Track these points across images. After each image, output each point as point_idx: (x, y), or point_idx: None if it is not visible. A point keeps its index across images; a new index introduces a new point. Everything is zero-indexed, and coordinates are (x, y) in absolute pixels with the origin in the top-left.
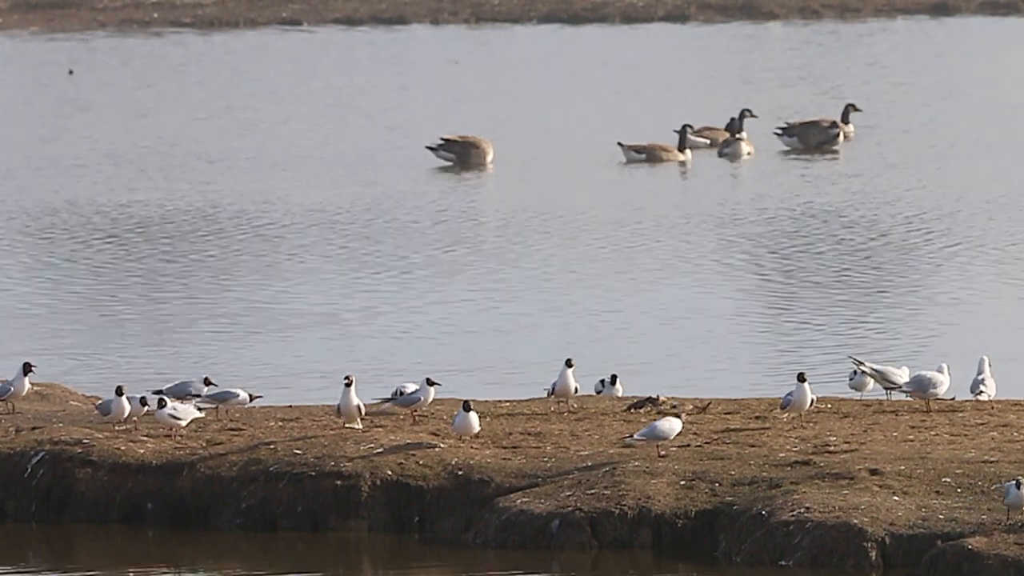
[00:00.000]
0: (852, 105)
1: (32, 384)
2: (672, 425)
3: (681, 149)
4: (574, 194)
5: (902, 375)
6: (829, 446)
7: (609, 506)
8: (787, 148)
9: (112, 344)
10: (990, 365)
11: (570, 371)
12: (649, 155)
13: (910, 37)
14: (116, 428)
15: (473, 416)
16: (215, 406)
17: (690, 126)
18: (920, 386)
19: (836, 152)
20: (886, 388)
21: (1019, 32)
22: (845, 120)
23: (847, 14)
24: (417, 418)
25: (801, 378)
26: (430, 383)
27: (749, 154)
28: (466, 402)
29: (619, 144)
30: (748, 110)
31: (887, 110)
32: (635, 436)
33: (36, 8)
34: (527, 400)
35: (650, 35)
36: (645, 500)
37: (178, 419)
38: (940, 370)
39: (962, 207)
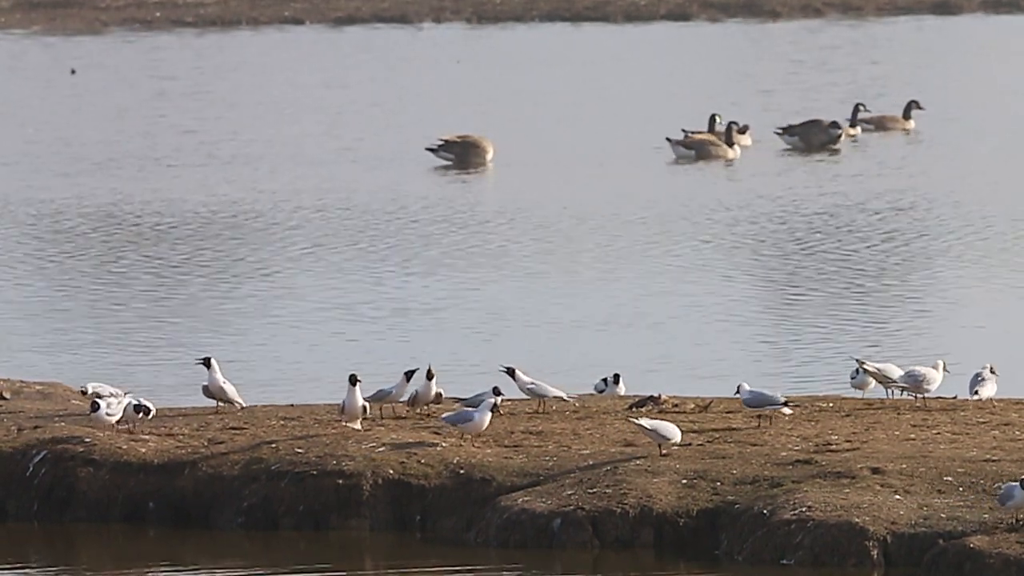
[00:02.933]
0: (915, 102)
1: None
2: (673, 433)
3: (730, 145)
4: (575, 193)
5: (899, 372)
6: (831, 445)
7: (611, 505)
8: (788, 147)
9: (114, 344)
10: (992, 371)
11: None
12: (698, 151)
13: (911, 35)
14: (117, 427)
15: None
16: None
17: (736, 123)
18: (915, 381)
19: (838, 151)
20: (886, 387)
21: (1020, 30)
22: (907, 116)
23: (849, 12)
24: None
25: (738, 390)
26: (497, 392)
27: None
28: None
29: (667, 139)
30: (862, 104)
31: (891, 110)
32: (638, 421)
33: (38, 7)
34: (528, 399)
35: (652, 34)
36: (647, 499)
37: (111, 414)
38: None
39: (965, 207)
